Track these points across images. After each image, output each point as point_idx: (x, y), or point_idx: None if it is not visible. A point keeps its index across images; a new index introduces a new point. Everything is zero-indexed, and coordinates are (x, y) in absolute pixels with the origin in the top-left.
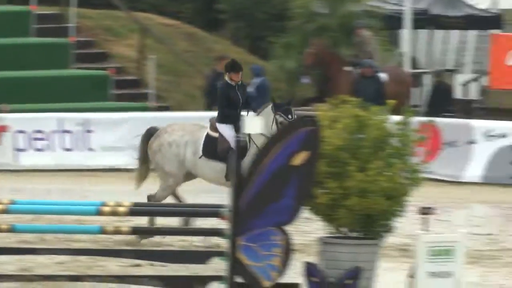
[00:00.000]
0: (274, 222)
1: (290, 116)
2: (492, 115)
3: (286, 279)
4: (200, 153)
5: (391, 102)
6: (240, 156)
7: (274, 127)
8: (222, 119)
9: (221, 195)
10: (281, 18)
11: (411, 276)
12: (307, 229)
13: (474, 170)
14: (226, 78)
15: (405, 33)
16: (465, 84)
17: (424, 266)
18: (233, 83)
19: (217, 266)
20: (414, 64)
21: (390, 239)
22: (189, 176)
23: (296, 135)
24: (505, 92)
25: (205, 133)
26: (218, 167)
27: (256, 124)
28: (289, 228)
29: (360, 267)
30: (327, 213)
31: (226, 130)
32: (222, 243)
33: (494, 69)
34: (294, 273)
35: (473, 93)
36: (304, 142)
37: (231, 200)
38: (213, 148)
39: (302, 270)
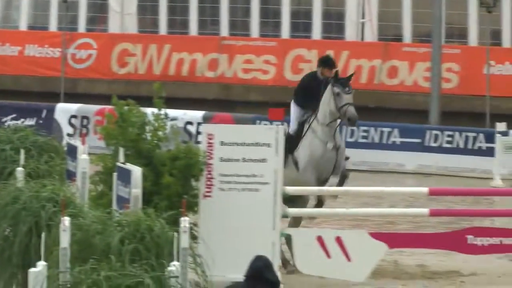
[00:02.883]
0: None
1: (347, 89)
2: None
3: None
4: None
5: None
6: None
7: (332, 100)
8: (296, 101)
9: None
10: None
11: None
12: None
13: None
14: (318, 70)
15: None
16: None
17: None
18: (321, 77)
19: None
20: None
21: None
22: None
23: None
24: None
25: None
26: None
27: None
28: None
29: None
30: None
31: (292, 110)
32: None
33: None
34: None
35: None
36: None
37: None
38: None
39: None
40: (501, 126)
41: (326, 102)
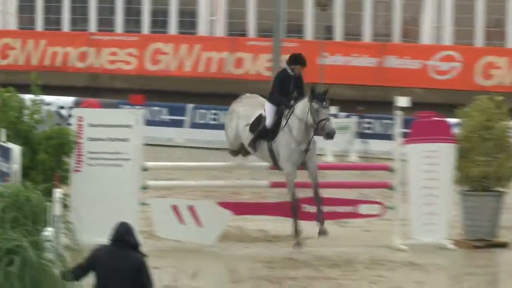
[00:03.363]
0: None
1: (324, 103)
2: None
3: None
4: (248, 127)
5: None
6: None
7: (310, 115)
8: (270, 99)
9: None
10: None
11: None
12: None
13: None
14: (288, 67)
15: None
16: None
17: None
18: (291, 73)
19: None
20: None
21: None
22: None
23: None
24: None
25: (261, 112)
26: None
27: None
28: None
29: None
30: None
31: (268, 109)
32: None
33: None
34: None
35: None
36: None
37: None
38: (258, 125)
39: None
40: (333, 109)
41: (305, 111)
